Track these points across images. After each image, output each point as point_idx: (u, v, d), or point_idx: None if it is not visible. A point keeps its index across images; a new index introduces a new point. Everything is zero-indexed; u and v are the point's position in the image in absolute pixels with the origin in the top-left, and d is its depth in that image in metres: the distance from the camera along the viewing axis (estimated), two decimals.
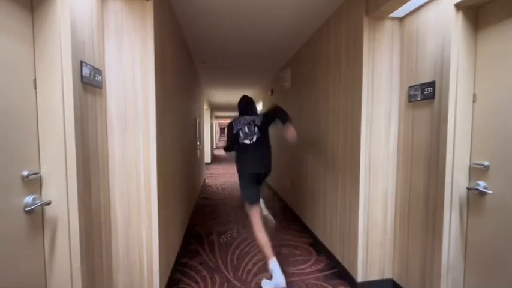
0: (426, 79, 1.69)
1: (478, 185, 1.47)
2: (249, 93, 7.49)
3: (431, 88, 1.63)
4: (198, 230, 3.32)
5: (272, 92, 5.20)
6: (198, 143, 4.71)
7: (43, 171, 1.18)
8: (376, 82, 1.94)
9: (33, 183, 1.15)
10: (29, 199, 1.11)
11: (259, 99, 7.23)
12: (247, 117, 2.24)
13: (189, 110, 3.45)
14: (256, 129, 2.17)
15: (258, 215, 2.13)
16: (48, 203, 1.17)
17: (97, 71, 1.43)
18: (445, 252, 1.57)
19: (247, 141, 2.15)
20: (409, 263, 1.86)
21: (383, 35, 1.92)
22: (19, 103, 1.08)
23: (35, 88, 1.16)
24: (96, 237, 1.43)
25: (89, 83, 1.35)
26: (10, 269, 1.02)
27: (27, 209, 1.09)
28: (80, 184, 1.24)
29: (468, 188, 1.53)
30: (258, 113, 2.35)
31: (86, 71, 1.30)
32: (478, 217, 1.49)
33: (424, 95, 1.69)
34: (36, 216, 1.16)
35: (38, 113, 1.17)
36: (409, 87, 1.83)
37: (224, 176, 7.33)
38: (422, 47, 1.73)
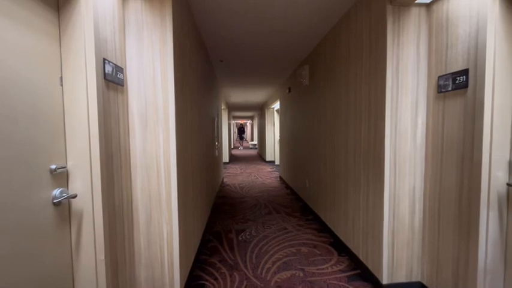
0: (458, 67, 1.57)
1: None
2: (266, 92, 7.46)
3: (464, 77, 1.51)
4: (217, 227, 3.34)
5: (290, 90, 5.14)
6: (216, 143, 4.75)
7: (69, 165, 1.23)
8: (401, 73, 1.84)
9: (61, 176, 1.19)
10: (56, 192, 1.15)
11: (276, 98, 7.17)
12: (241, 129, 19.90)
13: (206, 108, 3.48)
14: (244, 129, 18.49)
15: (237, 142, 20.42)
16: (74, 196, 1.21)
17: (119, 69, 1.46)
18: (481, 255, 1.45)
19: (241, 131, 19.85)
20: (440, 265, 1.74)
21: (408, 22, 1.82)
22: (47, 100, 1.12)
23: (61, 85, 1.21)
24: (119, 231, 1.46)
25: (112, 81, 1.38)
26: (40, 260, 1.06)
27: (55, 201, 1.13)
28: (103, 178, 1.27)
29: (509, 185, 1.40)
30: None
31: (108, 69, 1.34)
32: None
33: (456, 84, 1.57)
34: (63, 209, 1.20)
35: (65, 109, 1.22)
36: (439, 77, 1.71)
37: (242, 176, 7.34)
38: (453, 33, 1.61)
